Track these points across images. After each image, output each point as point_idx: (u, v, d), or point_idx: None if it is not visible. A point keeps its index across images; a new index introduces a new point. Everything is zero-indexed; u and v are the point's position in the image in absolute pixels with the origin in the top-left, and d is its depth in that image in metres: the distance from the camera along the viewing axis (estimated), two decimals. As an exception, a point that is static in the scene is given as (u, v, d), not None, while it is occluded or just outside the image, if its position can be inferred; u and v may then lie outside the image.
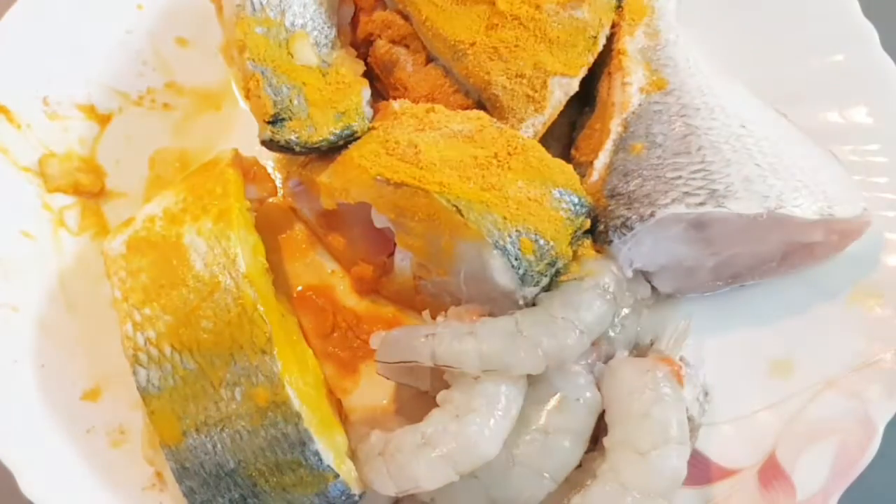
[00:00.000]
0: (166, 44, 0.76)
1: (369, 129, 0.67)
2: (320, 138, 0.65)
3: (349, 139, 0.66)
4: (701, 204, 0.61)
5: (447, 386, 0.61)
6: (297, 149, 0.64)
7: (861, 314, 0.66)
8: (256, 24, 0.66)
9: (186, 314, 0.60)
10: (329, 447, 0.59)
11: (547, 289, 0.63)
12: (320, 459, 0.58)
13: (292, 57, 0.67)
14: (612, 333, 0.65)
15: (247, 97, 0.65)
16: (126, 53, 0.75)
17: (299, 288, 0.72)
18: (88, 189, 0.73)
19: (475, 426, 0.57)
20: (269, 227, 0.72)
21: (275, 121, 0.63)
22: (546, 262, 0.62)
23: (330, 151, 0.66)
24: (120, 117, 0.75)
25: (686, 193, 0.61)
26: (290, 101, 0.65)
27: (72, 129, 0.74)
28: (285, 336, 0.64)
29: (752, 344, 0.68)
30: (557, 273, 0.63)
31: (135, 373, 0.60)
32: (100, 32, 0.75)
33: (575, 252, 0.64)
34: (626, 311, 0.66)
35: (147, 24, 0.75)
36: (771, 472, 0.64)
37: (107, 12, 0.75)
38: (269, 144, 0.64)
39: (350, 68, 0.69)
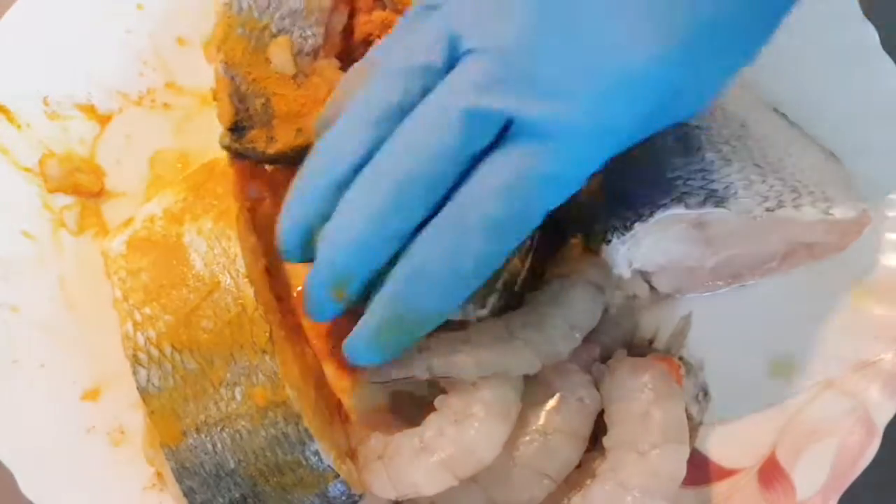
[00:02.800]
0: (166, 44, 0.76)
1: None
2: (276, 151, 0.64)
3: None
4: (700, 204, 0.61)
5: (443, 390, 0.61)
6: (254, 157, 0.65)
7: (861, 314, 0.66)
8: (239, 26, 0.65)
9: (186, 314, 0.60)
10: (329, 447, 0.59)
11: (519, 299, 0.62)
12: (320, 459, 0.58)
13: (269, 63, 0.66)
14: (609, 333, 0.65)
15: (214, 98, 0.65)
16: (126, 53, 0.75)
17: (299, 288, 0.72)
18: (88, 189, 0.73)
19: (473, 431, 0.57)
20: (269, 227, 0.72)
21: (235, 128, 0.64)
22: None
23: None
24: (120, 117, 0.75)
25: (685, 193, 0.61)
26: (255, 109, 0.64)
27: (72, 129, 0.74)
28: (285, 336, 0.64)
29: (752, 344, 0.68)
30: (512, 288, 0.61)
31: (135, 373, 0.60)
32: (100, 32, 0.74)
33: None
34: (622, 309, 0.66)
35: (147, 24, 0.75)
36: (771, 472, 0.64)
37: (107, 12, 0.74)
38: (229, 150, 0.65)
39: (327, 80, 0.69)
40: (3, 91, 0.72)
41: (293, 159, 0.64)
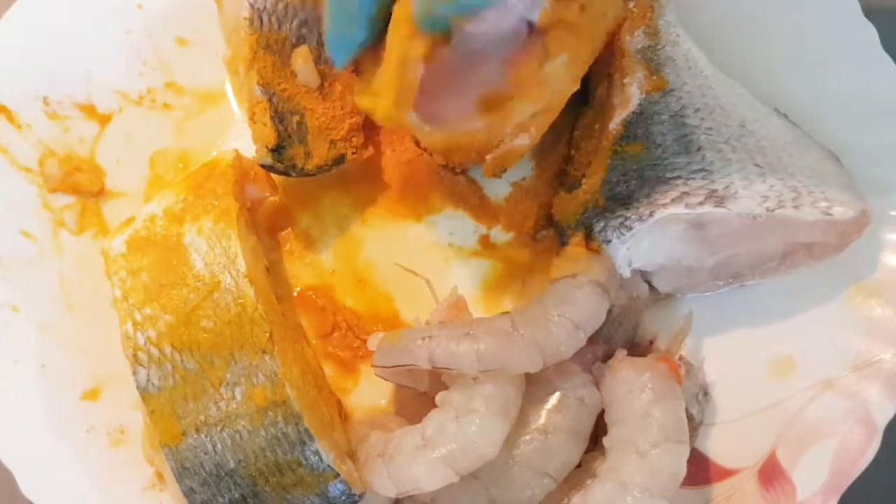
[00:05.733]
0: (166, 44, 0.76)
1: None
2: (315, 166, 0.67)
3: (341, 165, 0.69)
4: (700, 204, 0.61)
5: (446, 387, 0.61)
6: (294, 174, 0.67)
7: (861, 314, 0.66)
8: (264, 41, 0.66)
9: (187, 314, 0.60)
10: (329, 447, 0.59)
11: None
12: (320, 459, 0.58)
13: (295, 76, 0.67)
14: (610, 332, 0.65)
15: (252, 119, 0.66)
16: (126, 53, 0.75)
17: (299, 288, 0.72)
18: (88, 189, 0.73)
19: (475, 427, 0.57)
20: (269, 226, 0.72)
21: (276, 147, 0.65)
22: None
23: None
24: (120, 117, 0.75)
25: (685, 193, 0.61)
26: (293, 128, 0.66)
27: (72, 129, 0.74)
28: (285, 336, 0.64)
29: (752, 344, 0.68)
30: None
31: (135, 373, 0.60)
32: (100, 32, 0.74)
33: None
34: (623, 309, 0.66)
35: (147, 24, 0.75)
36: (771, 472, 0.64)
37: (107, 12, 0.74)
38: (268, 168, 0.66)
39: (347, 86, 0.70)
40: (3, 91, 0.72)
41: (328, 171, 0.68)
